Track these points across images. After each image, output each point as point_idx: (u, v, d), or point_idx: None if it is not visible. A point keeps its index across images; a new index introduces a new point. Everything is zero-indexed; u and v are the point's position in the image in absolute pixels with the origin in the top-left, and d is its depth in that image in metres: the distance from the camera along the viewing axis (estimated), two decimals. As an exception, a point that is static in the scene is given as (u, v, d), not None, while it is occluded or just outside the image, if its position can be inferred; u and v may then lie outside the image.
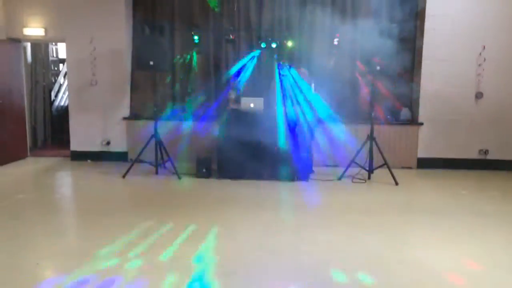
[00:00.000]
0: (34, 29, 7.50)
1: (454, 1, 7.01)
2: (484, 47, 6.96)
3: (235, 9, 7.47)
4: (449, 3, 7.02)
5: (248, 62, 7.48)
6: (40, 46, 8.65)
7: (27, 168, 7.36)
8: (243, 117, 6.57)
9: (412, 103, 7.41)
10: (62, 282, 3.18)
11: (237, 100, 7.02)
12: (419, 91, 7.23)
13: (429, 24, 7.08)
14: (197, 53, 7.57)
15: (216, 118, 7.06)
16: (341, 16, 7.48)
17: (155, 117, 6.70)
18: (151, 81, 6.97)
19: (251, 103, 6.66)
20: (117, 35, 7.52)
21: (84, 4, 7.43)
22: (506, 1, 6.93)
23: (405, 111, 7.37)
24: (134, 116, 7.69)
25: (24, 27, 7.50)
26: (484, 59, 6.99)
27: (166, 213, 4.88)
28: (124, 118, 7.63)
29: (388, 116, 7.36)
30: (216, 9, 7.34)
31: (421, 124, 7.24)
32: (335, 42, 7.36)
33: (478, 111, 7.14)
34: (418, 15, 7.27)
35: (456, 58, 7.06)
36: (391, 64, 6.38)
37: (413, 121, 7.34)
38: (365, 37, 6.35)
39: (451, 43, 7.05)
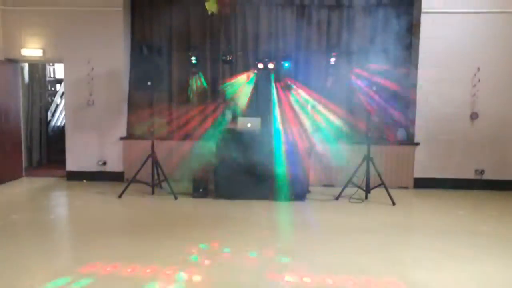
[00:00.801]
0: (32, 50, 7.53)
1: (448, 22, 7.12)
2: (479, 68, 7.05)
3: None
4: (444, 25, 7.12)
5: (245, 83, 7.54)
6: (37, 66, 8.68)
7: (22, 188, 7.30)
8: (240, 137, 6.58)
9: (408, 124, 7.46)
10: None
11: (234, 120, 7.05)
12: (415, 111, 7.29)
13: (424, 45, 7.18)
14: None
15: (213, 138, 7.05)
16: (337, 36, 7.60)
17: (151, 137, 6.69)
18: (149, 101, 6.99)
19: (248, 123, 6.68)
20: (115, 56, 7.57)
21: (83, 25, 7.49)
22: (500, 22, 7.05)
23: (401, 131, 7.42)
24: (130, 136, 7.68)
25: (22, 47, 7.53)
26: (479, 80, 7.07)
27: (162, 234, 4.83)
28: (121, 138, 7.62)
29: (384, 137, 7.40)
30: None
31: (417, 144, 7.27)
32: (332, 62, 7.41)
33: (474, 132, 7.18)
34: (412, 37, 7.37)
35: (451, 79, 7.13)
36: (387, 84, 6.42)
37: (409, 141, 7.38)
38: (361, 59, 6.44)
39: (446, 64, 7.13)
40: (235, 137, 6.61)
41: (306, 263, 4.02)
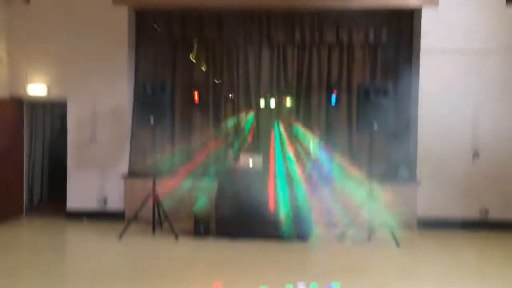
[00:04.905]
0: (36, 88, 7.55)
1: (447, 62, 7.18)
2: (478, 107, 7.09)
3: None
4: (442, 64, 7.19)
5: (246, 120, 7.60)
6: (42, 103, 8.73)
7: (21, 228, 7.24)
8: (241, 175, 6.58)
9: (409, 162, 7.45)
10: None
11: (236, 157, 7.06)
12: (416, 149, 7.29)
13: (423, 84, 7.24)
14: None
15: (215, 176, 7.04)
16: (338, 74, 7.68)
17: (153, 176, 6.69)
18: (151, 139, 7.03)
19: (250, 161, 6.68)
20: (118, 93, 7.63)
21: (88, 63, 7.56)
22: (499, 62, 7.13)
23: (403, 169, 7.39)
24: (132, 173, 7.67)
25: (27, 86, 7.58)
26: (479, 119, 7.10)
27: (162, 277, 4.77)
28: (123, 176, 7.60)
29: (385, 175, 7.36)
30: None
31: (420, 183, 7.23)
32: (333, 100, 7.50)
33: (476, 170, 7.15)
34: (412, 75, 7.43)
35: (452, 118, 7.16)
36: (388, 122, 6.44)
37: (412, 180, 7.34)
38: (361, 95, 6.48)
39: (446, 103, 7.17)
40: (237, 175, 6.61)
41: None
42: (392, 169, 7.46)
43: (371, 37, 7.56)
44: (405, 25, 7.57)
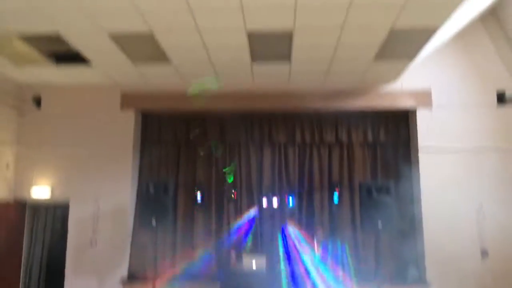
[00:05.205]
0: (40, 190, 7.64)
1: (445, 161, 7.27)
2: (482, 204, 7.07)
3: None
4: (442, 163, 7.28)
5: (249, 220, 7.54)
6: (43, 206, 8.69)
7: None
8: (245, 279, 6.38)
9: (418, 261, 7.24)
10: None
11: (239, 259, 6.90)
12: (423, 248, 7.13)
13: (424, 182, 7.26)
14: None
15: (218, 279, 6.82)
16: (339, 173, 7.74)
17: (153, 279, 6.47)
18: (153, 240, 6.92)
19: (253, 261, 6.53)
20: (121, 194, 7.63)
21: (92, 165, 7.67)
22: (497, 162, 7.22)
23: (412, 270, 7.16)
24: (132, 277, 7.40)
25: (32, 187, 7.65)
26: (484, 217, 7.03)
27: None
28: (122, 281, 7.32)
29: (394, 276, 7.11)
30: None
31: (430, 284, 6.94)
32: (335, 199, 7.50)
33: (486, 269, 6.91)
34: (412, 173, 7.50)
35: (456, 216, 7.07)
36: (392, 220, 6.38)
37: (421, 281, 7.06)
38: (364, 194, 6.50)
39: (449, 201, 7.11)
40: (240, 277, 6.41)
41: None
42: (400, 270, 7.20)
43: (370, 136, 7.77)
44: (402, 125, 7.79)
